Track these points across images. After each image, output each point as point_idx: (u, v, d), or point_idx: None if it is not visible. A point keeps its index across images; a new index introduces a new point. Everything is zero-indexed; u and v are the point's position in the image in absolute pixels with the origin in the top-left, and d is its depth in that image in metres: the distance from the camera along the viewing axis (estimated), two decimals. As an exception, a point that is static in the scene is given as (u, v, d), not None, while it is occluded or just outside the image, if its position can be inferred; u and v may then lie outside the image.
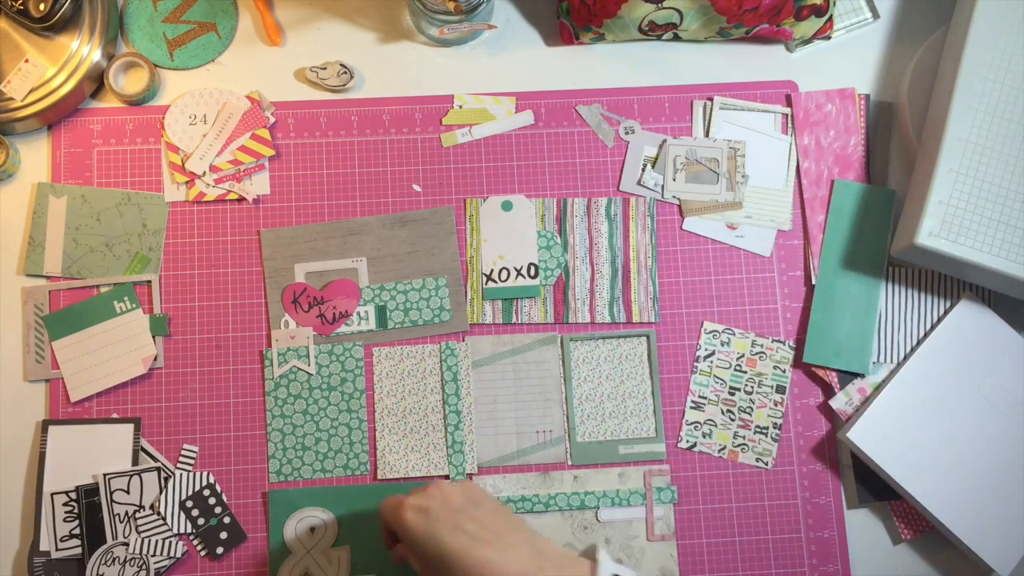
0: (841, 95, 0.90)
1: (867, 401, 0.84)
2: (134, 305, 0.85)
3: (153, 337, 0.84)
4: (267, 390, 0.84)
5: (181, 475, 0.82)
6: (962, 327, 0.86)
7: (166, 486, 0.82)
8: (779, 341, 0.87)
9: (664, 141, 0.89)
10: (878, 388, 0.85)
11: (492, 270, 0.87)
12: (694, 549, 0.84)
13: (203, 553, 0.82)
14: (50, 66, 0.85)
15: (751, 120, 0.90)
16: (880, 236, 0.87)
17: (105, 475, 0.81)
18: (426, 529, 0.67)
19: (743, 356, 0.86)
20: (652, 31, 0.89)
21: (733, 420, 0.85)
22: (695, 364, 0.86)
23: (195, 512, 0.82)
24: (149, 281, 0.85)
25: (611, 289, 0.87)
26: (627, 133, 0.89)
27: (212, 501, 0.82)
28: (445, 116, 0.89)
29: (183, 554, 0.81)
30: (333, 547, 0.82)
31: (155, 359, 0.84)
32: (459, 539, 0.66)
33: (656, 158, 0.88)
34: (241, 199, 0.87)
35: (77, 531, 0.81)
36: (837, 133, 0.90)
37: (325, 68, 0.89)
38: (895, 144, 0.91)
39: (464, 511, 0.68)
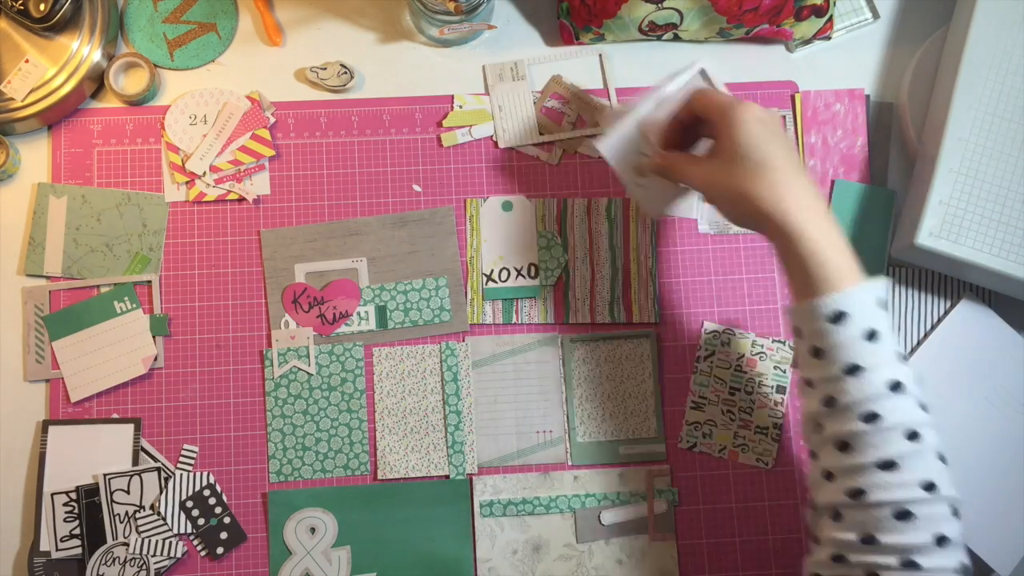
0: (850, 95, 0.90)
1: (867, 401, 0.84)
2: (134, 305, 0.85)
3: (153, 337, 0.84)
4: (267, 390, 0.84)
5: (181, 475, 0.82)
6: (962, 327, 0.86)
7: (166, 486, 0.82)
8: (779, 341, 0.87)
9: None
10: (878, 388, 0.85)
11: (492, 270, 0.87)
12: (694, 549, 0.84)
13: (203, 553, 0.82)
14: (50, 66, 0.85)
15: (751, 120, 0.90)
16: (880, 236, 0.87)
17: (105, 475, 0.81)
18: (765, 131, 0.70)
19: (743, 356, 0.86)
20: (652, 31, 0.89)
21: (733, 420, 0.85)
22: (695, 364, 0.86)
23: (195, 512, 0.82)
24: (149, 281, 0.85)
25: (611, 289, 0.87)
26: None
27: (212, 501, 0.82)
28: (445, 117, 0.89)
29: (183, 554, 0.81)
30: (333, 547, 0.82)
31: (155, 359, 0.84)
32: (791, 159, 0.70)
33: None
34: (241, 199, 0.87)
35: (77, 531, 0.81)
36: (844, 133, 0.90)
37: (325, 68, 0.89)
38: (895, 144, 0.91)
39: (791, 146, 0.72)
